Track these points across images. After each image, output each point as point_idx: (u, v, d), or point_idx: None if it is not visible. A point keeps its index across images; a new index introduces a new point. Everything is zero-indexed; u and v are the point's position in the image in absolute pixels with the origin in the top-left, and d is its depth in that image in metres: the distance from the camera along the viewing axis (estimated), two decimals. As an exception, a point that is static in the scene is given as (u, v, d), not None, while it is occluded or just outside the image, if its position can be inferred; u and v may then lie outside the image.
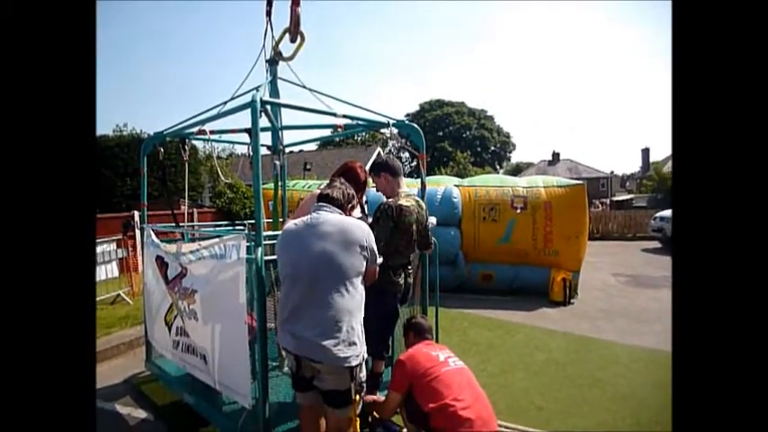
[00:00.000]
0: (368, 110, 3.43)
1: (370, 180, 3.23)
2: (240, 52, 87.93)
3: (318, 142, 30.59)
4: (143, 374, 4.13)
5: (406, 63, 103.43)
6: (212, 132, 3.43)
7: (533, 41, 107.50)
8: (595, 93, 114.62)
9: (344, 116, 3.18)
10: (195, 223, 9.09)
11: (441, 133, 43.92)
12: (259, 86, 2.93)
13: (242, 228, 4.77)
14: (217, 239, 2.76)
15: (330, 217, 2.26)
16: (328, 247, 2.15)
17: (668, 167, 27.97)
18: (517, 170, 46.38)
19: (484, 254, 7.31)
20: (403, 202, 2.94)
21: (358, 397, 2.21)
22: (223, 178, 5.28)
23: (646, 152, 43.75)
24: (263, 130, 3.23)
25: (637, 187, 40.98)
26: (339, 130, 3.65)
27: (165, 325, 3.36)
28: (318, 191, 2.50)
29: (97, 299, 6.30)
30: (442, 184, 7.89)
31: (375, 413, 2.92)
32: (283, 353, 2.77)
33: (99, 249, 6.86)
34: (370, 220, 2.95)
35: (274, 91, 3.35)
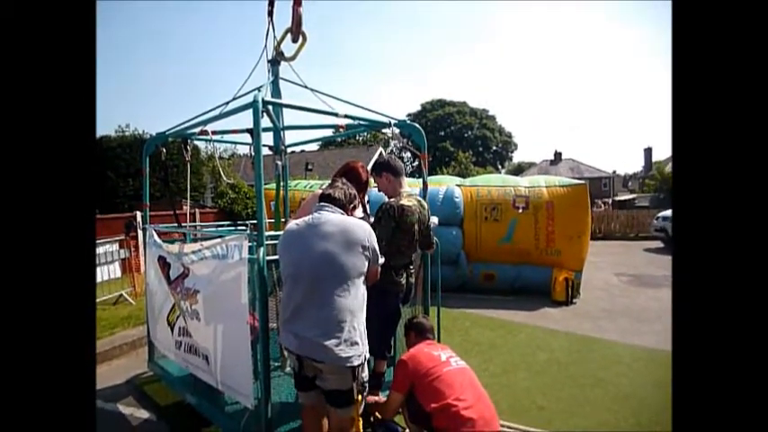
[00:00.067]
0: (369, 110, 3.43)
1: (371, 180, 3.23)
2: (241, 52, 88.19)
3: (320, 142, 30.61)
4: (145, 375, 4.14)
5: (406, 63, 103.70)
6: (214, 133, 3.44)
7: (533, 41, 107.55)
8: (596, 92, 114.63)
9: (346, 116, 3.18)
10: (197, 223, 9.12)
11: (442, 133, 43.92)
12: (261, 87, 2.93)
13: (244, 228, 4.79)
14: (219, 240, 2.76)
15: (332, 217, 2.26)
16: (330, 247, 2.15)
17: (671, 167, 27.89)
18: (519, 170, 46.36)
19: (486, 254, 7.30)
20: (405, 201, 2.94)
21: (360, 397, 2.21)
22: (225, 178, 5.32)
23: (648, 152, 43.70)
24: (265, 130, 3.24)
25: (639, 187, 40.91)
26: (341, 130, 3.64)
27: (167, 325, 3.37)
28: (320, 191, 2.50)
29: (100, 299, 6.33)
30: (443, 183, 7.89)
31: (377, 413, 2.91)
32: (285, 353, 2.78)
33: (101, 250, 6.89)
34: (371, 220, 2.95)
35: (276, 91, 3.35)
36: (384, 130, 3.51)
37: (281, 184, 3.90)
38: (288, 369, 3.32)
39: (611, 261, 10.65)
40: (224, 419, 2.95)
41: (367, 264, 2.25)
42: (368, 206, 3.42)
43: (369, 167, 3.17)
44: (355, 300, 2.16)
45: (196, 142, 4.99)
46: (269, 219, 4.29)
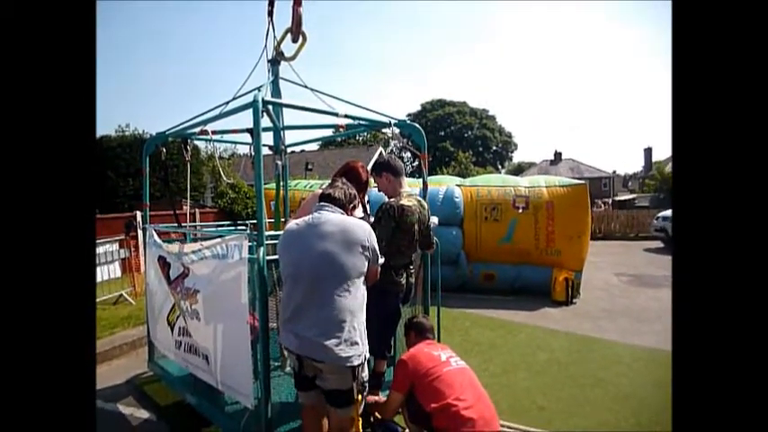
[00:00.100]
0: (369, 110, 3.43)
1: (371, 180, 3.23)
2: (241, 52, 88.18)
3: (320, 142, 30.62)
4: (145, 375, 4.14)
5: (406, 63, 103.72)
6: (214, 132, 3.44)
7: (533, 41, 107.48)
8: (596, 92, 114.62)
9: (346, 116, 3.17)
10: (197, 223, 9.12)
11: (442, 133, 43.92)
12: (261, 86, 2.93)
13: (244, 228, 4.79)
14: (219, 239, 2.76)
15: (332, 217, 2.26)
16: (330, 247, 2.16)
17: (671, 167, 27.89)
18: (519, 170, 46.36)
19: (486, 254, 7.30)
20: (405, 201, 2.94)
21: (360, 397, 2.21)
22: (225, 178, 5.32)
23: (648, 152, 43.70)
24: (265, 130, 3.24)
25: (639, 187, 40.90)
26: (341, 129, 3.64)
27: (167, 325, 3.37)
28: (320, 191, 2.50)
29: (100, 299, 6.33)
30: (443, 183, 7.89)
31: (377, 413, 2.91)
32: (285, 353, 2.77)
33: (101, 250, 6.88)
34: (371, 219, 2.95)
35: (276, 91, 3.35)
36: (384, 130, 3.51)
37: (281, 183, 3.91)
38: (288, 369, 3.32)
39: (611, 261, 10.65)
40: (224, 419, 2.95)
41: (367, 264, 2.25)
42: (368, 206, 3.42)
43: (369, 167, 3.17)
44: (355, 300, 2.16)
45: (196, 142, 5.00)
46: (269, 218, 4.28)
